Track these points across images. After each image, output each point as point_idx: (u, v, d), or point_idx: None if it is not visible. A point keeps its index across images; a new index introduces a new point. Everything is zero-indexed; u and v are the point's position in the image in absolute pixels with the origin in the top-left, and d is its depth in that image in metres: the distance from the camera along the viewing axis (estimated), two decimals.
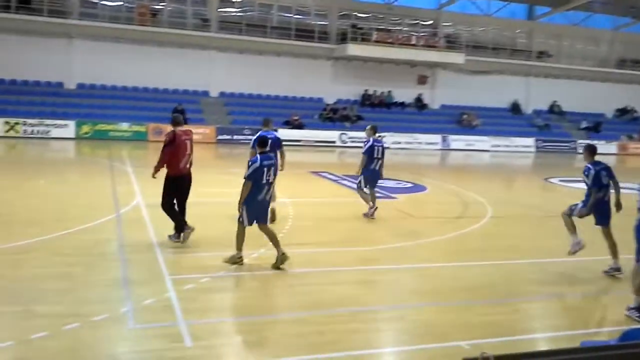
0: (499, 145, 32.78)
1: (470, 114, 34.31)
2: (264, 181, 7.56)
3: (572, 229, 8.31)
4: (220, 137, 27.66)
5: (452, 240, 9.98)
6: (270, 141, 8.73)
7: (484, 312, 6.65)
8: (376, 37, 31.46)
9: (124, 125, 25.99)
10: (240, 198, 7.61)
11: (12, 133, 24.20)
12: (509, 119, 35.98)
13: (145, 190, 12.69)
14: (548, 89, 37.15)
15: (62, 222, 9.57)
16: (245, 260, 7.84)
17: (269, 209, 8.06)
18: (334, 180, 16.65)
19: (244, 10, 31.78)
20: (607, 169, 8.12)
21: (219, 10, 31.03)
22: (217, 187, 13.90)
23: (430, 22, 35.82)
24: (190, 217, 8.97)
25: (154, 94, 29.44)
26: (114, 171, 15.94)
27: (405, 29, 34.89)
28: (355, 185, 12.04)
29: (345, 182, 16.29)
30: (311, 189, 15.34)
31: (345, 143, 29.61)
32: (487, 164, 27.69)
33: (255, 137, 9.27)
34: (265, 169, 7.55)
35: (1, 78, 27.13)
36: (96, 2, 29.03)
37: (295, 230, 10.05)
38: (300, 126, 29.13)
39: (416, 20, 35.50)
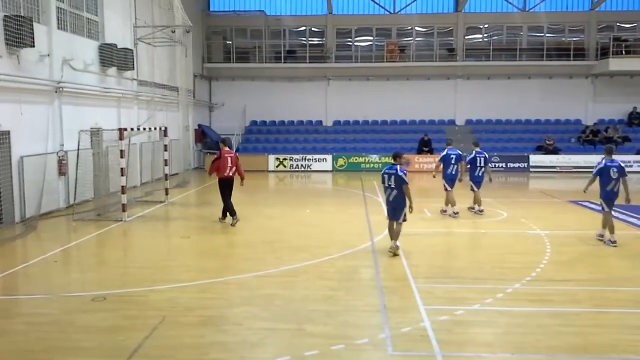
0: None
1: None
2: (386, 185, 10.03)
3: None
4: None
5: None
6: (455, 156, 14.43)
7: None
8: None
9: (374, 157, 27.48)
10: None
11: (281, 167, 27.56)
12: None
13: None
14: None
15: (325, 248, 10.51)
16: (500, 295, 7.67)
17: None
18: (598, 211, 15.01)
19: (490, 36, 31.20)
20: (620, 167, 10.76)
21: (466, 37, 31.00)
22: (461, 217, 13.73)
23: None
24: (436, 248, 9.03)
25: (401, 126, 30.68)
26: (366, 201, 16.90)
27: None
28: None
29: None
30: (570, 220, 14.10)
31: None
32: None
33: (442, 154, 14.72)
34: (386, 176, 10.01)
35: (272, 120, 31.31)
36: (349, 45, 31.59)
37: (553, 265, 9.38)
38: (555, 151, 27.14)
39: None
